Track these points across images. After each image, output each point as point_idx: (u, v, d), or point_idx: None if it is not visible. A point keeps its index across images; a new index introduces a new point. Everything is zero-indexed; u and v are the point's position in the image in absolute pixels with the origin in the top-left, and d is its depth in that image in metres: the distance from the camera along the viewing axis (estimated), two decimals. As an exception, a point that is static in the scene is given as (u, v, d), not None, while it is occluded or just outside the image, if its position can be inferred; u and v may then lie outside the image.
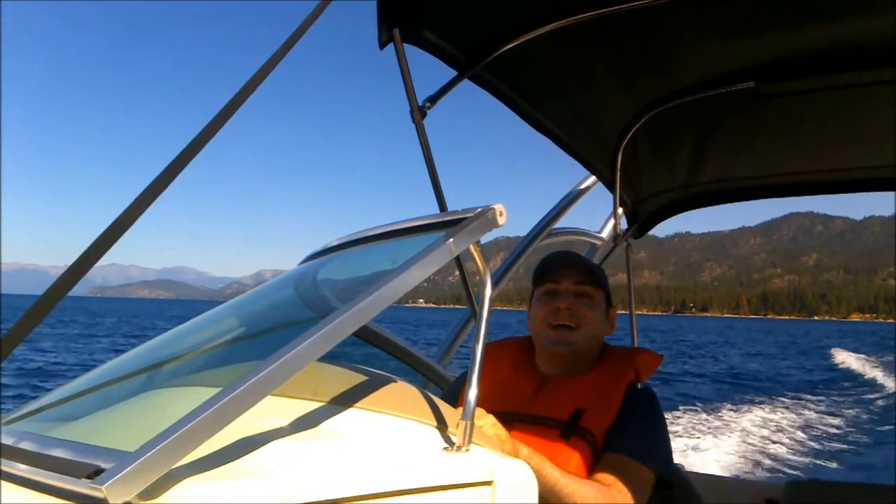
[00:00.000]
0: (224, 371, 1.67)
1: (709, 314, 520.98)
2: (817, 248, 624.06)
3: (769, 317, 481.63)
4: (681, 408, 17.92)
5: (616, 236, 4.26)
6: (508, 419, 1.79)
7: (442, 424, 1.42)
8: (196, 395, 1.25)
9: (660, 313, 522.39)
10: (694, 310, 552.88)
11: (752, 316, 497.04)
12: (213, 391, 1.11)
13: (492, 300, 1.53)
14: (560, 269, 2.26)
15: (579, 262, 2.32)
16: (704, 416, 17.15)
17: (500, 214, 1.54)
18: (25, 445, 1.28)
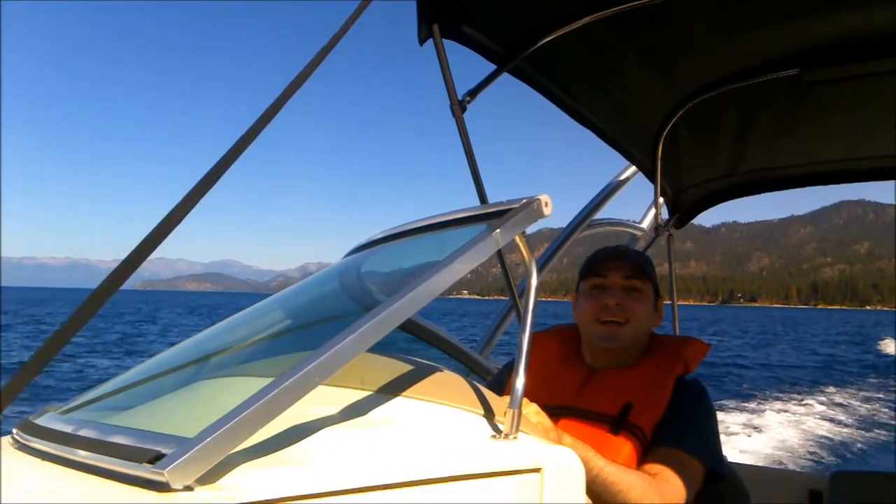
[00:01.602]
0: (274, 362, 1.70)
1: (757, 304, 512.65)
2: (869, 236, 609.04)
3: (819, 307, 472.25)
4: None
5: (657, 227, 4.24)
6: (556, 413, 1.79)
7: (489, 413, 1.43)
8: (248, 385, 1.28)
9: (707, 304, 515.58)
10: (742, 300, 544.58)
11: (803, 306, 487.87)
12: (264, 381, 1.13)
13: (538, 291, 1.54)
14: (608, 262, 2.23)
15: (627, 255, 2.28)
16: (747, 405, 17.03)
17: (546, 205, 1.54)
18: (85, 433, 1.32)
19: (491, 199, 2.86)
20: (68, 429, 1.38)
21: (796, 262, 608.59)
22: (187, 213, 1.75)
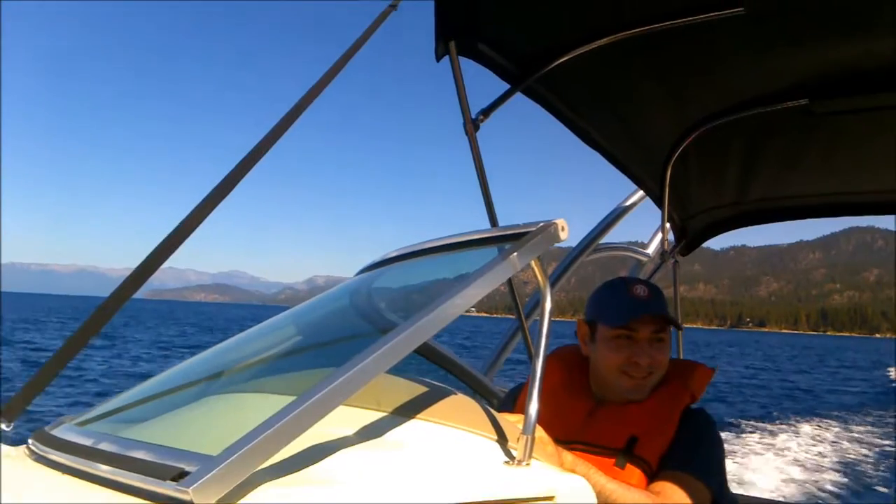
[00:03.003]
0: (290, 379, 1.71)
1: (766, 329, 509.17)
2: (878, 263, 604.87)
3: (829, 333, 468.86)
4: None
5: (663, 253, 4.24)
6: (560, 446, 1.80)
7: (503, 438, 1.43)
8: (266, 402, 1.29)
9: (715, 327, 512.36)
10: (751, 325, 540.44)
11: (812, 332, 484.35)
12: (281, 398, 1.14)
13: (552, 315, 1.55)
14: (639, 318, 2.11)
15: (654, 304, 2.15)
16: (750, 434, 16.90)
17: (563, 229, 1.55)
18: (104, 446, 1.32)
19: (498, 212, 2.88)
20: (87, 441, 1.38)
21: (805, 287, 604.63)
22: (200, 222, 1.78)
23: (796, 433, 17.68)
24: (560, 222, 1.55)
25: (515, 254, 1.48)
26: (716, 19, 2.52)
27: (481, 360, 3.80)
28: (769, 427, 18.49)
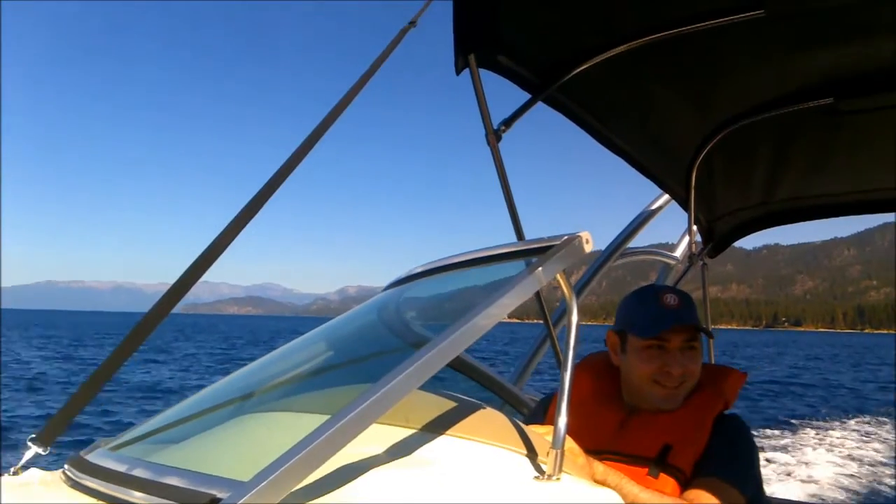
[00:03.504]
0: (322, 397, 1.72)
1: (802, 328, 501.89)
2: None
3: (866, 331, 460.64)
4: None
5: (691, 255, 4.22)
6: (593, 456, 1.79)
7: (532, 453, 1.43)
8: (298, 422, 1.30)
9: (750, 328, 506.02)
10: (787, 324, 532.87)
11: (849, 330, 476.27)
12: (314, 417, 1.14)
13: (578, 328, 1.54)
14: (670, 328, 2.08)
15: (686, 314, 2.12)
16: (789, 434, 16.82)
17: (587, 242, 1.55)
18: (138, 472, 1.34)
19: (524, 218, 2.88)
20: (121, 467, 1.40)
21: (841, 284, 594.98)
22: (234, 237, 1.80)
23: (848, 429, 17.79)
24: (584, 235, 1.55)
25: (541, 268, 1.48)
26: (737, 22, 2.51)
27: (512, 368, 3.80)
28: (822, 424, 18.67)
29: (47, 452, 1.55)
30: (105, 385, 1.68)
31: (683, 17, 2.58)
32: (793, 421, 18.91)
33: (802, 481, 11.63)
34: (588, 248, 1.56)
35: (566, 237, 1.55)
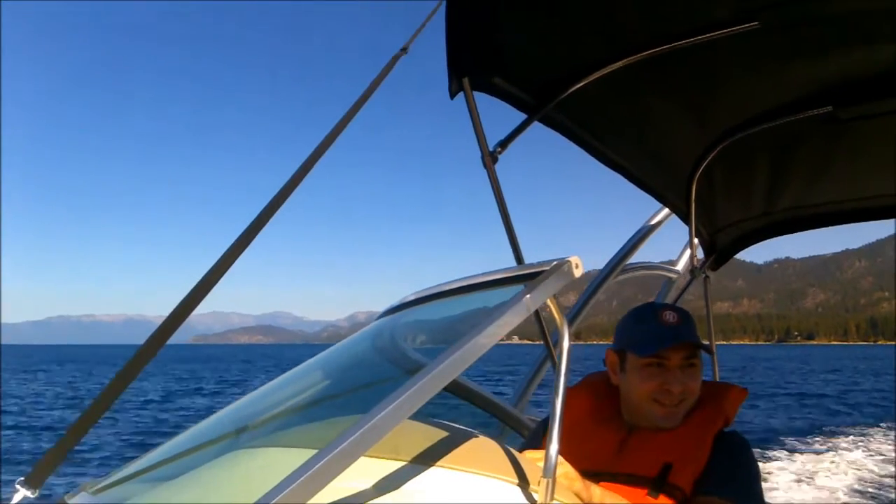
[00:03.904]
0: (313, 431, 1.70)
1: (815, 342, 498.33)
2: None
3: (879, 343, 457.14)
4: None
5: (693, 269, 4.20)
6: (593, 477, 1.77)
7: (523, 481, 1.41)
8: (287, 458, 1.28)
9: (763, 342, 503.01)
10: (799, 338, 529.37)
11: (862, 343, 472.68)
12: (303, 452, 1.12)
13: (570, 352, 1.52)
14: (669, 347, 2.07)
15: (685, 332, 2.11)
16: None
17: (577, 267, 1.53)
18: None
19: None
20: None
21: (853, 297, 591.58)
22: (228, 268, 1.79)
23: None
24: (574, 260, 1.54)
25: (529, 295, 1.46)
26: (732, 34, 2.51)
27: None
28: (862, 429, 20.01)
29: (36, 495, 1.53)
30: (94, 425, 1.65)
31: (678, 32, 2.57)
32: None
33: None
34: (578, 273, 1.54)
35: (555, 262, 1.54)
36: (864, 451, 16.29)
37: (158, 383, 43.06)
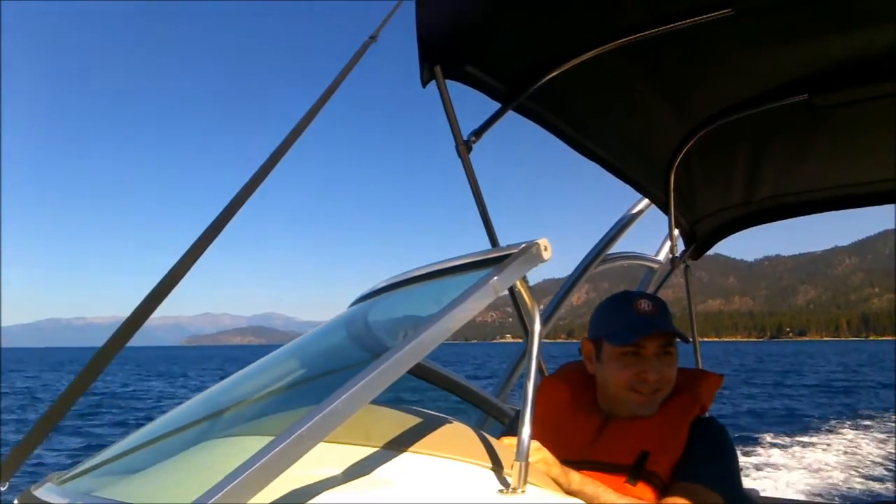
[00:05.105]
0: (279, 418, 1.69)
1: (807, 338, 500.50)
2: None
3: (871, 338, 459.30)
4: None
5: (673, 259, 4.19)
6: (571, 466, 1.76)
7: (497, 466, 1.39)
8: (252, 445, 1.26)
9: (755, 339, 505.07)
10: (791, 334, 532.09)
11: (854, 338, 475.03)
12: (268, 440, 1.10)
13: (542, 336, 1.51)
14: (645, 336, 2.06)
15: (660, 321, 2.09)
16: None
17: (545, 249, 1.50)
18: None
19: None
20: (67, 502, 1.37)
21: (844, 293, 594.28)
22: (190, 266, 1.78)
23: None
24: (542, 242, 1.51)
25: (496, 277, 1.44)
26: (707, 21, 2.50)
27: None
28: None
29: (6, 488, 1.52)
30: (60, 421, 1.65)
31: (651, 20, 2.57)
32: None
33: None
34: (547, 256, 1.52)
35: (524, 245, 1.52)
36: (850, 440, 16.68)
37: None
